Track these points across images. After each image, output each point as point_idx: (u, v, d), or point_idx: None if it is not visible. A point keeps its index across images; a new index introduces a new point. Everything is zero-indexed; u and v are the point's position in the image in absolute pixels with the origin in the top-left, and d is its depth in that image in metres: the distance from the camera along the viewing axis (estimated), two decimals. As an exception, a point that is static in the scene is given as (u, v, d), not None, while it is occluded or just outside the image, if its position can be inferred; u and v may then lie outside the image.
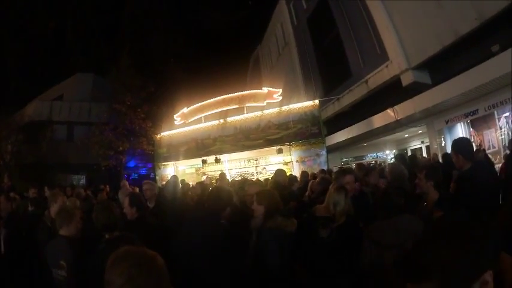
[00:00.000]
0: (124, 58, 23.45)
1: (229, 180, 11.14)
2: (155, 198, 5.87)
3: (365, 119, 14.72)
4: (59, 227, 3.57)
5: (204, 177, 15.14)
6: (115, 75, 23.32)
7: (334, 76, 17.46)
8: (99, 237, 3.44)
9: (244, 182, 6.84)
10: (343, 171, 4.93)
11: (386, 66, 12.95)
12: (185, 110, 17.54)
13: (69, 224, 3.52)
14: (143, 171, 25.67)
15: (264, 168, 15.41)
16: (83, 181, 26.45)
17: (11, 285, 4.62)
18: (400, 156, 9.42)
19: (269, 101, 15.21)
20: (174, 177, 7.19)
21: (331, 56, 17.85)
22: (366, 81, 14.20)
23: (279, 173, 7.49)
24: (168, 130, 18.34)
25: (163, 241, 3.50)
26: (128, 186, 8.54)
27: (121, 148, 22.42)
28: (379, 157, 18.74)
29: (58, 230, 3.57)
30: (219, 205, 3.50)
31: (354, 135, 15.71)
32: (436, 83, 11.15)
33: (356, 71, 15.33)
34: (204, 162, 15.93)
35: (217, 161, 15.43)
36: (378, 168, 7.92)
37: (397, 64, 12.35)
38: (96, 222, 3.30)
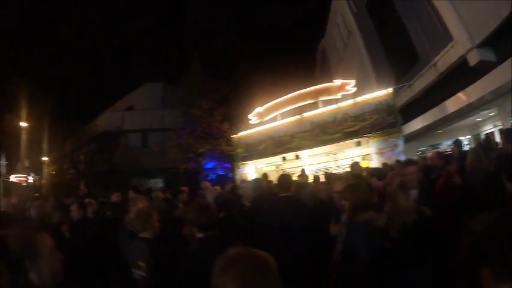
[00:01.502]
0: (194, 63, 25.22)
1: (310, 175, 11.92)
2: (251, 197, 6.30)
3: (438, 104, 14.84)
4: (138, 230, 3.99)
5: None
6: (187, 81, 25.14)
7: (402, 61, 17.80)
8: (176, 237, 4.09)
9: (330, 177, 7.25)
10: (406, 161, 5.30)
11: (452, 46, 13.17)
12: (260, 108, 18.49)
13: (147, 226, 3.94)
14: (221, 172, 27.24)
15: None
16: (160, 185, 28.34)
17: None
18: (458, 142, 9.99)
19: (343, 93, 15.63)
20: (264, 175, 7.76)
21: (396, 41, 18.23)
22: (435, 64, 14.51)
23: (354, 165, 8.39)
24: (245, 130, 19.45)
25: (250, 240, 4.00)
26: (209, 187, 9.29)
27: (201, 150, 24.17)
28: (455, 145, 18.08)
29: (137, 233, 4.00)
30: (285, 186, 4.82)
31: (428, 122, 15.84)
32: (501, 60, 11.21)
33: (423, 54, 15.67)
34: (284, 159, 16.84)
35: (297, 157, 16.19)
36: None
37: (461, 43, 12.54)
38: (196, 221, 3.62)
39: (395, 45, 18.59)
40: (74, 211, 6.13)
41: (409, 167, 4.84)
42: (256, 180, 7.20)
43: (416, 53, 16.34)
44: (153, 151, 30.56)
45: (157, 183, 29.34)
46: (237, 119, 22.50)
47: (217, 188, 9.23)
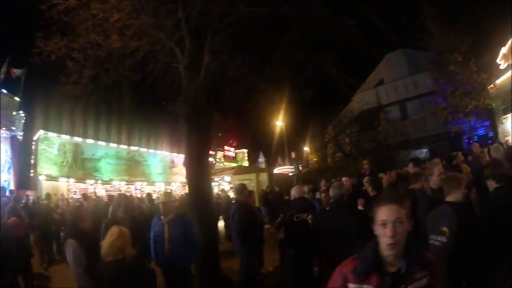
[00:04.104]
0: (428, 19, 24.07)
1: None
2: None
3: None
4: (446, 194, 4.03)
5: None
6: (429, 40, 24.26)
7: None
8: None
9: None
10: None
11: None
12: (503, 49, 16.80)
13: (456, 190, 3.94)
14: (481, 131, 25.98)
15: None
16: (424, 154, 29.33)
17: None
18: None
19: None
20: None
21: None
22: None
23: None
24: (500, 77, 18.20)
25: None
26: (478, 148, 9.61)
27: (470, 107, 23.25)
28: None
29: (444, 197, 4.06)
30: None
31: None
32: None
33: None
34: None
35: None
36: None
37: None
38: (492, 174, 4.08)
39: None
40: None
41: None
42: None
43: None
44: (414, 120, 31.79)
45: (422, 153, 30.18)
46: (490, 68, 20.61)
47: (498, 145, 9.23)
